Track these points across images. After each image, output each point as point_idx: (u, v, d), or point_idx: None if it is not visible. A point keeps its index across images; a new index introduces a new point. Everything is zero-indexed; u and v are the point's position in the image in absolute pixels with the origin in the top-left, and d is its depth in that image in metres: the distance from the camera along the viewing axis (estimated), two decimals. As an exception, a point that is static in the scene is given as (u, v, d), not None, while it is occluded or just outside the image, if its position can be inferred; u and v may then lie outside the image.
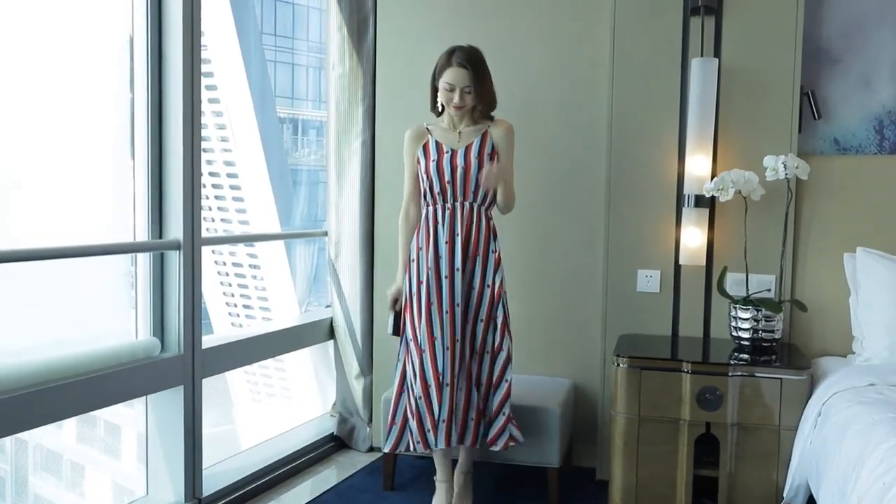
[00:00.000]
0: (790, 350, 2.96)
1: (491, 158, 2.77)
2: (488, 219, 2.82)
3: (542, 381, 3.30)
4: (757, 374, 2.66)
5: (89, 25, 2.67)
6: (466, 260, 2.77)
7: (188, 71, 2.68)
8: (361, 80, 3.53)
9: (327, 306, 3.73)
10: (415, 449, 2.79)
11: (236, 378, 4.26)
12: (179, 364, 2.74)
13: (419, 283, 2.77)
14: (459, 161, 2.78)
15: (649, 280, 3.19)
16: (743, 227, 2.94)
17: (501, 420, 2.78)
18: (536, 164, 3.36)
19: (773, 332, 2.84)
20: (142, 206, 2.73)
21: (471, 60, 2.75)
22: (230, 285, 4.07)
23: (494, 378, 2.79)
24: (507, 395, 2.79)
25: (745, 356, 2.80)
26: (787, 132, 3.02)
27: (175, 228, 2.74)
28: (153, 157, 2.71)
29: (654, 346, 3.03)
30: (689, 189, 3.03)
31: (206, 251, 4.09)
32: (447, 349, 2.71)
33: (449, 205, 2.80)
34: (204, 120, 3.74)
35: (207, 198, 3.85)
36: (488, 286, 2.77)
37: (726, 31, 3.06)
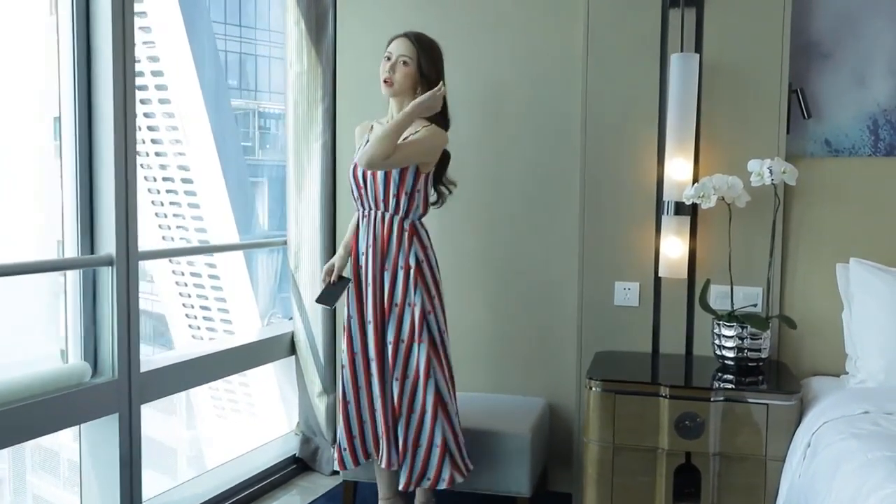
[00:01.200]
0: (779, 370, 2.74)
1: (405, 168, 2.54)
2: (408, 231, 2.57)
3: (514, 402, 3.08)
4: (741, 400, 2.44)
5: (9, 14, 2.44)
6: (381, 273, 2.58)
7: (119, 66, 2.45)
8: (321, 78, 3.30)
9: (290, 318, 3.51)
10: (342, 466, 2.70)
11: (199, 392, 4.04)
12: (114, 390, 2.51)
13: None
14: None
15: (627, 293, 2.96)
16: (727, 237, 2.72)
17: (436, 455, 2.55)
18: (504, 168, 3.14)
19: (759, 350, 2.62)
20: (70, 217, 2.50)
21: (419, 37, 2.57)
22: (189, 296, 3.84)
23: (419, 406, 2.56)
24: (439, 424, 2.55)
25: (730, 377, 2.59)
26: (775, 133, 2.79)
27: (107, 242, 2.51)
28: (82, 162, 2.48)
29: (631, 365, 2.81)
30: (669, 195, 2.81)
31: (162, 263, 3.89)
32: (360, 365, 2.62)
33: (366, 212, 2.62)
34: (154, 122, 3.51)
35: (163, 204, 3.62)
36: (409, 304, 2.55)
37: (708, 25, 2.83)
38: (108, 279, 2.51)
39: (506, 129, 3.14)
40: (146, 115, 3.42)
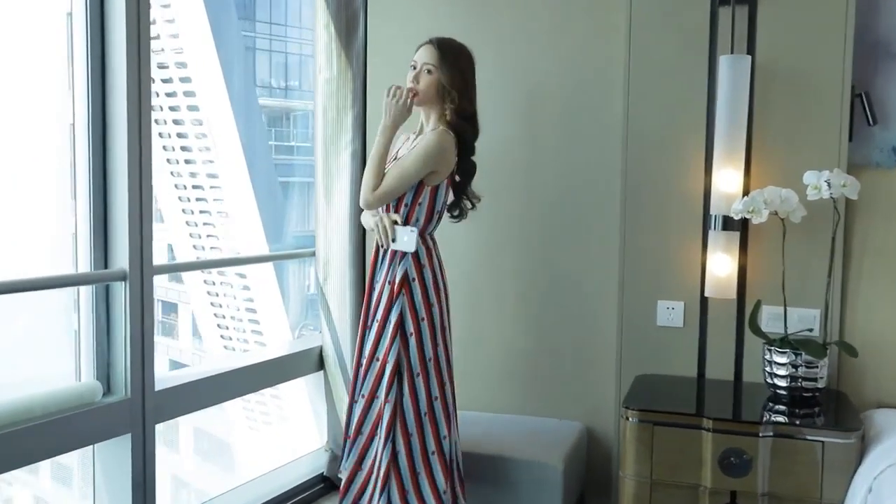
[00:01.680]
0: (837, 402, 2.50)
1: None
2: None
3: (548, 425, 2.91)
4: (794, 435, 2.22)
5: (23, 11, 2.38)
6: (371, 285, 2.50)
7: (133, 73, 2.36)
8: (351, 84, 3.18)
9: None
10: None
11: (230, 403, 3.95)
12: (126, 409, 2.42)
13: None
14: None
15: (671, 313, 2.75)
16: (780, 254, 2.49)
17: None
18: (540, 177, 2.97)
19: (815, 379, 2.39)
20: (84, 231, 2.42)
21: (444, 44, 2.42)
22: (220, 306, 3.76)
23: (383, 430, 2.42)
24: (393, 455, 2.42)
25: (781, 408, 2.37)
26: (835, 141, 2.55)
27: (121, 257, 2.42)
28: (95, 173, 2.40)
29: (673, 391, 2.60)
30: (717, 209, 2.59)
31: (194, 275, 3.82)
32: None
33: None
34: (183, 129, 3.44)
35: (193, 213, 3.54)
36: (389, 322, 2.42)
37: (762, 23, 2.61)
38: (121, 294, 2.42)
39: (541, 137, 2.97)
40: (175, 121, 3.34)
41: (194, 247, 3.68)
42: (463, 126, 2.43)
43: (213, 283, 3.79)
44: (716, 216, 2.60)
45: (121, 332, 2.43)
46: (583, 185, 2.92)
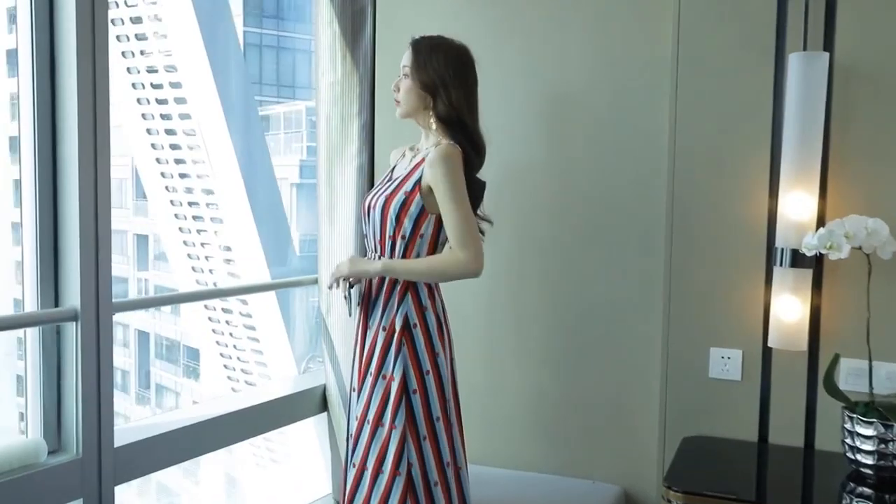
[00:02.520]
0: (937, 483, 2.01)
1: (405, 204, 2.04)
2: (400, 284, 2.07)
3: (579, 488, 2.48)
4: (883, 535, 1.75)
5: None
6: (364, 333, 2.12)
7: (87, 74, 2.01)
8: (357, 88, 2.79)
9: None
10: None
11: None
12: (76, 471, 2.07)
13: None
14: (372, 198, 2.12)
15: (727, 363, 2.29)
16: (865, 297, 2.01)
17: None
18: (572, 201, 2.55)
19: (910, 458, 1.91)
20: (30, 263, 2.09)
21: (420, 42, 2.07)
22: (227, 346, 3.42)
23: None
24: None
25: (867, 492, 1.90)
26: (936, 158, 2.06)
27: (72, 293, 2.08)
28: (43, 195, 2.06)
29: (728, 460, 2.15)
30: (784, 240, 2.13)
31: (196, 306, 3.48)
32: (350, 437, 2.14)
33: (368, 254, 2.18)
34: (175, 140, 3.10)
35: (190, 231, 3.20)
36: (384, 376, 2.03)
37: (842, 13, 2.13)
38: (71, 337, 2.08)
39: (573, 151, 2.54)
40: (168, 131, 3.01)
41: (193, 268, 3.35)
42: (453, 136, 2.05)
43: (214, 309, 3.45)
44: (783, 249, 2.13)
45: (72, 380, 2.09)
46: (621, 208, 2.48)
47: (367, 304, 2.13)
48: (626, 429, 2.51)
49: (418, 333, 2.04)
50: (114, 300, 2.16)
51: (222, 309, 3.41)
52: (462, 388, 2.22)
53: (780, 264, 2.13)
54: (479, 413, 2.67)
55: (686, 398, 2.35)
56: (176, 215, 3.28)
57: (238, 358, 3.48)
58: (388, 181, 2.17)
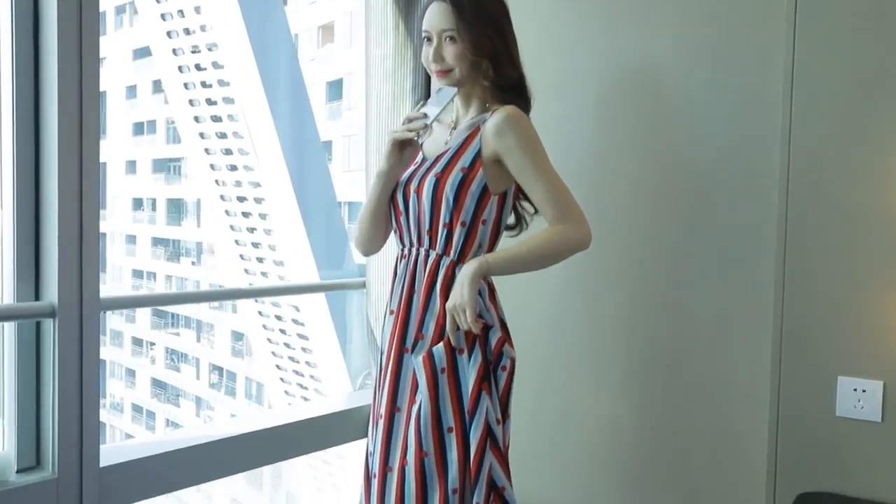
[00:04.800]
0: None
1: (464, 182, 1.65)
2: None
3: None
4: None
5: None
6: (400, 355, 1.71)
7: (73, 49, 1.75)
8: (411, 62, 2.43)
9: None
10: None
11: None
12: (51, 493, 1.78)
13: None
14: (414, 181, 1.71)
15: (861, 398, 1.74)
16: None
17: None
18: (656, 192, 2.07)
19: None
20: (8, 253, 1.83)
21: None
22: (282, 357, 3.14)
23: None
24: None
25: None
26: None
27: (50, 287, 1.80)
28: (23, 178, 1.80)
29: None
30: (943, 236, 1.56)
31: (249, 306, 3.22)
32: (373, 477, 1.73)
33: (405, 250, 1.76)
34: (220, 127, 2.84)
35: (241, 230, 2.93)
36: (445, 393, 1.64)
37: None
38: (49, 336, 1.80)
39: (659, 136, 2.06)
40: (219, 134, 2.76)
41: (245, 270, 3.07)
42: (508, 102, 1.69)
43: (271, 318, 3.16)
44: (941, 248, 1.57)
45: (49, 386, 1.81)
46: (718, 200, 1.97)
47: (402, 320, 1.73)
48: (725, 480, 1.98)
49: (490, 336, 1.66)
50: (102, 297, 1.87)
51: (275, 316, 3.11)
52: (520, 417, 1.79)
53: (937, 268, 1.57)
54: (544, 451, 2.21)
55: (805, 443, 1.81)
56: (228, 213, 3.03)
57: (293, 370, 3.17)
58: (422, 162, 1.78)
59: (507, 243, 1.75)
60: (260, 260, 2.95)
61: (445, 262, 1.68)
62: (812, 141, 1.79)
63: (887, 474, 1.72)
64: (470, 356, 1.63)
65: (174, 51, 3.38)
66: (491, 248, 1.73)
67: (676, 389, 2.04)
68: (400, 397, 1.71)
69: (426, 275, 1.68)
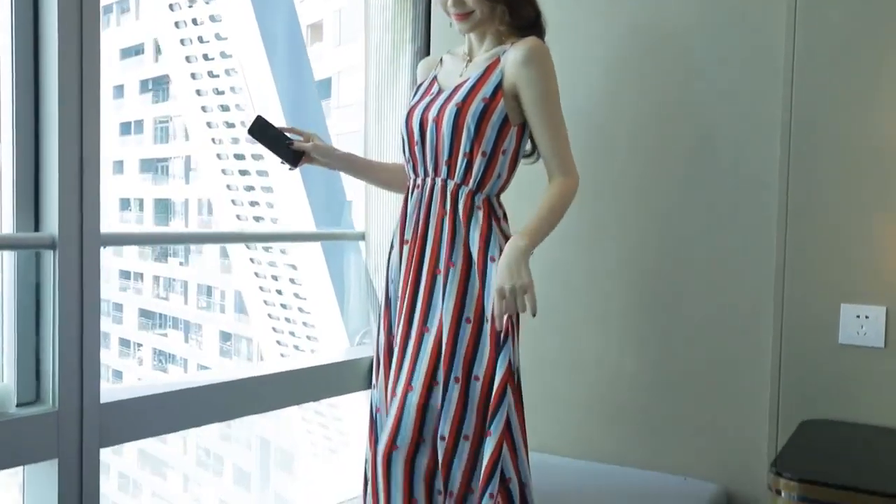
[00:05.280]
0: None
1: (485, 112, 1.64)
2: (482, 211, 1.68)
3: (666, 484, 1.98)
4: None
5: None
6: (419, 284, 1.68)
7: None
8: (411, 10, 2.42)
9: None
10: None
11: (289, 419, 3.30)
12: (52, 426, 1.77)
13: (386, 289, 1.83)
14: (433, 110, 1.68)
15: (864, 324, 1.75)
16: None
17: None
18: (662, 131, 2.07)
19: None
20: (7, 189, 1.81)
21: None
22: (278, 319, 3.12)
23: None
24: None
25: None
26: None
27: (51, 221, 1.78)
28: (21, 109, 1.78)
29: (860, 450, 1.60)
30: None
31: (241, 252, 3.21)
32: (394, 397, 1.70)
33: (419, 180, 1.74)
34: (218, 82, 2.82)
35: (233, 188, 2.92)
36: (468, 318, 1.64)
37: None
38: (49, 269, 1.78)
39: (660, 75, 2.06)
40: (211, 74, 2.74)
41: (237, 216, 3.06)
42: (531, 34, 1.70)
43: (263, 267, 3.14)
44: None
45: (49, 319, 1.79)
46: (719, 136, 1.98)
47: (419, 245, 1.72)
48: (728, 412, 1.98)
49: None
50: (102, 232, 1.85)
51: (272, 276, 3.09)
52: (526, 360, 1.79)
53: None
54: (545, 392, 2.20)
55: (807, 370, 1.82)
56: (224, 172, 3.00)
57: (289, 332, 3.16)
58: (439, 92, 1.76)
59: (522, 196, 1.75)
60: (257, 218, 2.94)
61: (464, 191, 1.66)
62: (815, 61, 1.80)
63: (890, 399, 1.73)
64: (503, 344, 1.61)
65: (170, 6, 3.36)
66: (509, 178, 1.72)
67: (677, 321, 2.05)
68: (431, 318, 1.69)
69: (445, 204, 1.67)
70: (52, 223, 1.77)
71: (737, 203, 1.95)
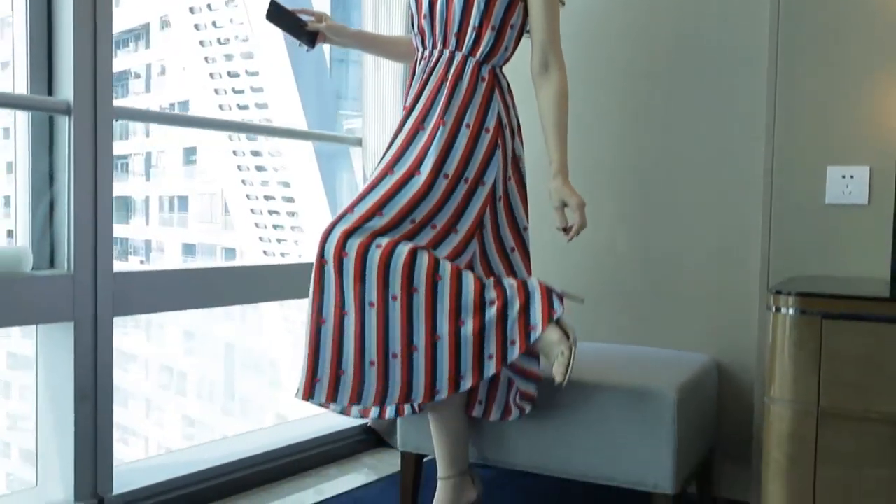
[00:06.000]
0: None
1: None
2: (486, 81, 1.74)
3: (658, 354, 2.05)
4: None
5: None
6: (399, 135, 1.76)
7: None
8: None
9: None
10: None
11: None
12: (67, 290, 1.80)
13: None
14: None
15: (849, 184, 1.85)
16: None
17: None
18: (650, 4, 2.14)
19: None
20: (21, 52, 1.84)
21: None
22: (265, 227, 3.14)
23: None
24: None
25: None
26: None
27: (65, 86, 1.81)
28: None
29: (847, 285, 1.70)
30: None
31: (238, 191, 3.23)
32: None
33: (426, 52, 1.79)
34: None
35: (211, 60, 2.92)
36: (466, 179, 1.69)
37: None
38: (65, 134, 1.81)
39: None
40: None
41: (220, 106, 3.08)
42: None
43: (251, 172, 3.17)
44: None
45: (63, 183, 1.82)
46: (709, 13, 2.07)
47: (425, 105, 1.75)
48: (718, 280, 2.08)
49: (508, 137, 1.74)
50: (115, 104, 1.89)
51: (261, 181, 3.09)
52: None
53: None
54: (538, 275, 2.27)
55: (796, 231, 1.91)
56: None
57: (276, 239, 3.19)
58: None
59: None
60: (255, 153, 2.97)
61: (471, 62, 1.72)
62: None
63: (873, 253, 1.83)
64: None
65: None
66: (513, 51, 1.79)
67: (668, 202, 2.13)
68: (400, 164, 1.71)
69: (449, 72, 1.72)
70: (66, 90, 1.80)
71: (727, 72, 2.04)
